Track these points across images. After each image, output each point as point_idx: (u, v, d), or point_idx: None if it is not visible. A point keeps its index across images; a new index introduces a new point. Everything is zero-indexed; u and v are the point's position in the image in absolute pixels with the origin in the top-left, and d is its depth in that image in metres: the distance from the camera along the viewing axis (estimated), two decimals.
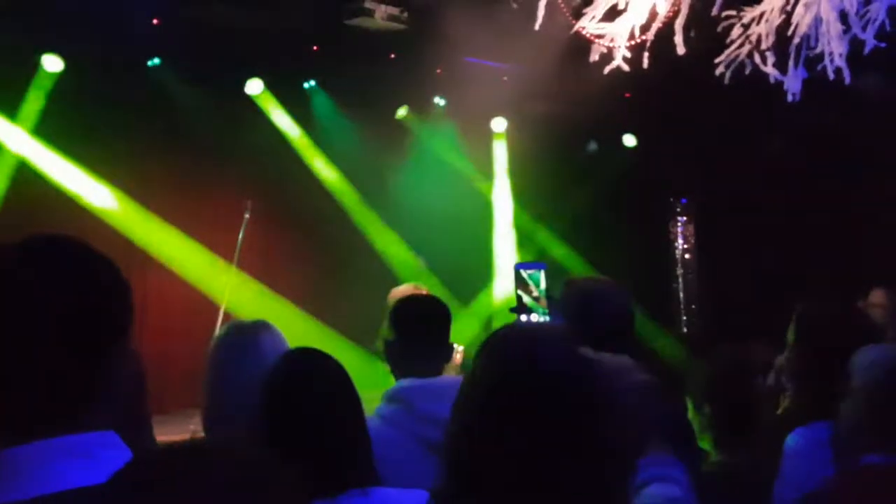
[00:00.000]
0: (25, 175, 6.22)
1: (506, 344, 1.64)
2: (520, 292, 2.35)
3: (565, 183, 8.61)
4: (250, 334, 2.62)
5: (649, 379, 1.97)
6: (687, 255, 9.65)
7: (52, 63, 6.26)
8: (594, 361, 1.69)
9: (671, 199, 9.66)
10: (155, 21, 6.10)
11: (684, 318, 9.47)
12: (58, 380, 1.32)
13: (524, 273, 2.36)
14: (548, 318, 2.29)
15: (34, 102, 6.25)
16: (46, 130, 6.30)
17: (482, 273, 7.99)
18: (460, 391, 1.62)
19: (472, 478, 1.53)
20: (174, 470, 1.01)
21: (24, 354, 1.31)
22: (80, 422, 1.32)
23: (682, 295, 9.53)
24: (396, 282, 5.86)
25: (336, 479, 2.14)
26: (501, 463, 1.50)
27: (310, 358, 2.29)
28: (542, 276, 2.33)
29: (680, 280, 9.58)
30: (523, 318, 2.34)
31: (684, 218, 9.67)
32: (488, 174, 8.24)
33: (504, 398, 1.55)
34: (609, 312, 2.58)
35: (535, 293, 2.33)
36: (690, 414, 3.15)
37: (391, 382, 2.93)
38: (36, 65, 6.25)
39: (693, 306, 9.50)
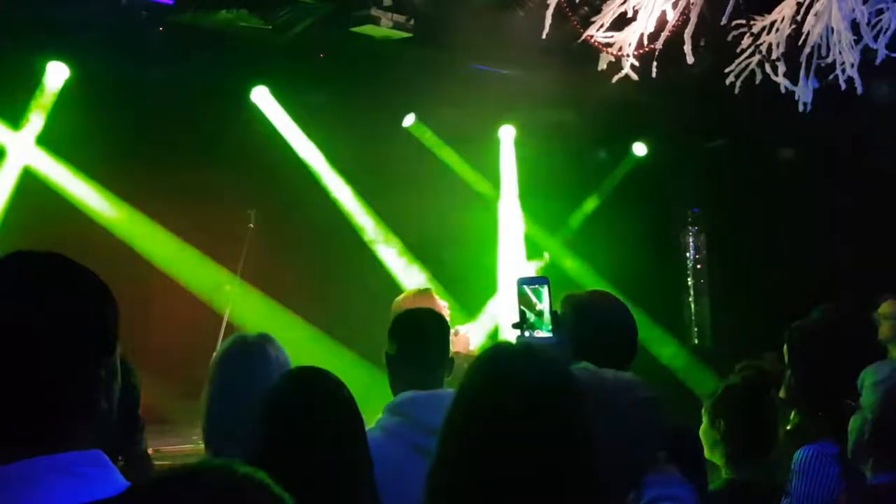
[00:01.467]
0: (30, 183, 6.20)
1: (484, 367, 1.61)
2: (522, 307, 2.29)
3: (574, 192, 8.55)
4: (254, 349, 2.61)
5: (653, 395, 1.93)
6: (699, 266, 9.56)
7: (58, 71, 6.24)
8: (583, 381, 1.65)
9: (682, 209, 9.58)
10: (160, 28, 6.08)
11: (695, 329, 9.38)
12: (44, 398, 1.31)
13: (527, 287, 2.30)
14: (550, 334, 2.23)
15: (38, 110, 6.23)
16: (51, 138, 6.29)
17: (489, 284, 7.93)
18: (446, 414, 1.59)
19: (456, 501, 1.50)
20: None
21: (10, 373, 1.30)
22: (68, 440, 1.31)
23: (693, 306, 9.44)
24: (400, 291, 5.82)
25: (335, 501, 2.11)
26: (481, 485, 1.47)
27: (311, 380, 2.26)
28: (545, 290, 2.27)
29: (691, 291, 9.49)
30: (526, 333, 2.28)
31: (696, 228, 9.59)
32: (496, 183, 8.18)
33: (482, 423, 1.52)
34: (610, 327, 2.55)
35: (539, 308, 2.27)
36: (705, 428, 3.12)
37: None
38: (41, 73, 6.22)
39: (704, 318, 9.41)
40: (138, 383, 2.56)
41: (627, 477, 1.82)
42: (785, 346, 2.98)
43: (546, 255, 7.98)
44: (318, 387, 2.23)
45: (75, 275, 1.40)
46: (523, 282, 2.32)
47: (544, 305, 2.26)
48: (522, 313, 2.29)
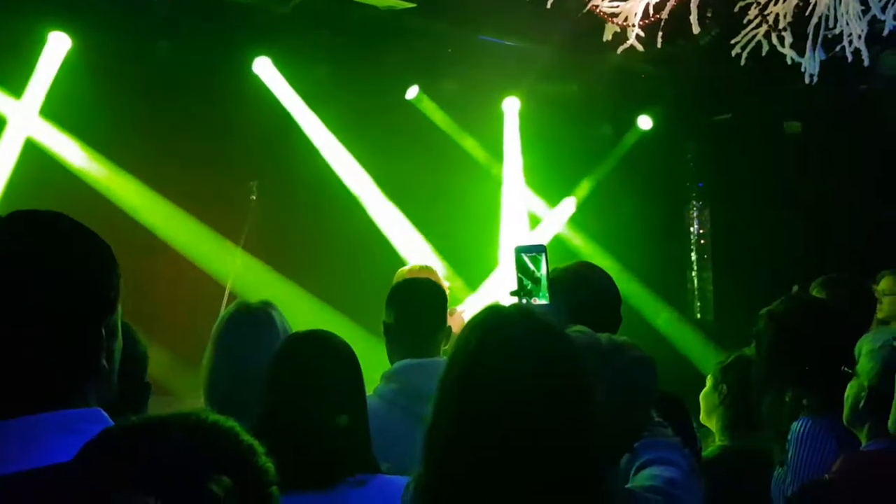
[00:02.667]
0: (32, 154, 6.19)
1: (477, 328, 1.60)
2: (520, 275, 2.30)
3: (577, 165, 8.52)
4: (257, 314, 2.64)
5: (646, 355, 1.96)
6: (702, 241, 9.54)
7: (60, 41, 6.20)
8: (579, 342, 1.65)
9: (687, 183, 9.54)
10: None
11: (698, 304, 9.37)
12: (45, 356, 1.33)
13: (525, 255, 2.31)
14: (547, 301, 2.25)
15: (40, 81, 6.19)
16: (53, 109, 6.25)
17: (490, 257, 7.92)
18: (440, 378, 1.59)
19: (450, 466, 1.49)
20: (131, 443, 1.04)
21: (11, 330, 1.31)
22: (69, 398, 1.33)
23: (696, 281, 9.43)
24: (403, 264, 5.81)
25: (333, 467, 2.12)
26: (478, 449, 1.46)
27: (320, 337, 2.28)
28: (542, 258, 2.29)
29: (694, 265, 9.48)
30: (523, 301, 2.30)
31: (700, 202, 9.55)
32: (499, 155, 8.15)
33: (479, 385, 1.51)
34: (596, 294, 2.62)
35: (536, 275, 2.28)
36: (706, 391, 3.16)
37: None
38: (42, 43, 6.18)
39: (707, 292, 9.40)
40: (145, 350, 2.56)
41: (622, 437, 1.82)
42: (762, 326, 2.98)
43: None
44: (327, 343, 2.26)
45: (75, 233, 1.41)
46: (521, 250, 2.34)
47: (542, 273, 2.27)
48: (520, 280, 2.32)
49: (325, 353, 2.25)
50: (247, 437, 1.09)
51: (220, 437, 1.05)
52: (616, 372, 1.81)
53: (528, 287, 2.28)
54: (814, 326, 2.84)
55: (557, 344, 1.57)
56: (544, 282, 2.27)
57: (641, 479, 1.89)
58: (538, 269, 2.28)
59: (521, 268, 2.30)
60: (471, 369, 1.53)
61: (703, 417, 3.18)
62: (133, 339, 2.48)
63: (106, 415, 1.37)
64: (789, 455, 2.73)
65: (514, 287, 2.32)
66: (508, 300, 2.36)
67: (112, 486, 0.99)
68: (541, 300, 2.25)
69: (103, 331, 1.39)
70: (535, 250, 2.32)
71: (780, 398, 2.82)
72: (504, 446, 1.45)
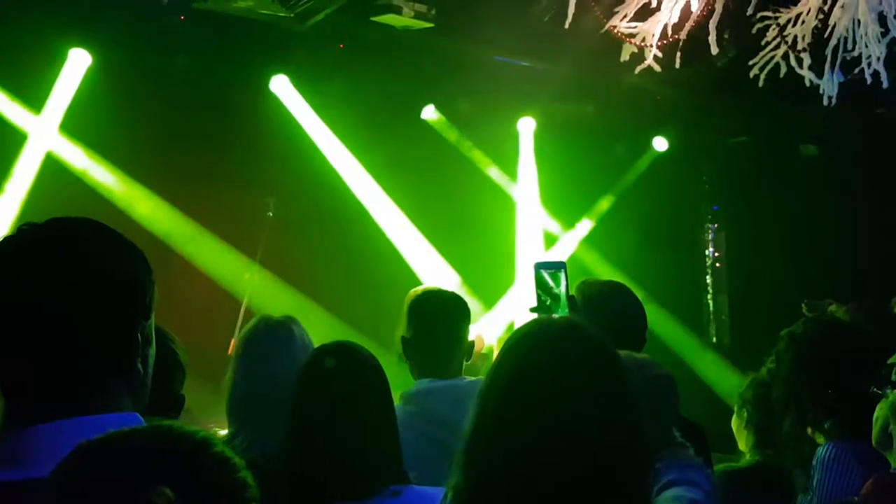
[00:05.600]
0: (51, 168, 6.24)
1: (525, 339, 1.58)
2: (539, 291, 2.29)
3: (592, 186, 8.51)
4: (280, 329, 2.63)
5: (666, 373, 1.94)
6: (718, 264, 9.50)
7: (80, 58, 6.27)
8: (620, 355, 1.63)
9: (702, 205, 9.52)
10: (181, 17, 6.09)
11: (714, 326, 9.33)
12: (86, 360, 1.34)
13: (544, 272, 2.29)
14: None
15: (61, 96, 6.26)
16: (73, 125, 6.31)
17: (506, 275, 7.91)
18: (481, 386, 1.57)
19: (489, 475, 1.47)
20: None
21: (57, 334, 1.32)
22: (106, 402, 1.34)
23: (711, 304, 9.39)
24: (419, 283, 5.81)
25: (367, 478, 2.10)
26: (516, 460, 1.44)
27: (346, 350, 2.28)
28: (562, 274, 2.27)
29: (710, 288, 9.44)
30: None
31: (715, 225, 9.53)
32: (514, 175, 8.16)
33: (520, 393, 1.49)
34: (626, 312, 2.60)
35: (555, 291, 2.27)
36: (734, 416, 3.17)
37: (411, 383, 2.89)
38: (63, 59, 6.25)
39: (723, 316, 9.35)
40: (186, 362, 2.56)
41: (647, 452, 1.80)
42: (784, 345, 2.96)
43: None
44: (354, 355, 2.25)
45: (113, 239, 1.43)
46: (541, 266, 2.33)
47: (561, 290, 2.26)
48: (539, 297, 2.29)
49: (353, 364, 2.24)
50: (220, 447, 1.07)
51: (179, 448, 1.03)
52: (635, 387, 1.80)
53: (548, 303, 2.26)
54: (835, 347, 2.80)
55: (607, 360, 1.54)
56: (563, 298, 2.25)
57: (664, 500, 1.87)
58: (557, 285, 2.27)
59: (541, 284, 2.28)
60: (516, 381, 1.49)
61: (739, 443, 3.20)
62: (173, 349, 2.49)
63: (142, 420, 1.36)
64: (814, 481, 2.68)
65: (534, 304, 2.30)
66: (528, 317, 2.34)
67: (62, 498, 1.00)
68: (559, 316, 2.24)
69: (139, 336, 1.40)
70: (555, 266, 2.30)
71: (800, 420, 2.79)
72: (545, 462, 1.42)
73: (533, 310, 2.31)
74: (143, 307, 1.41)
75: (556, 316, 2.24)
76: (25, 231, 1.40)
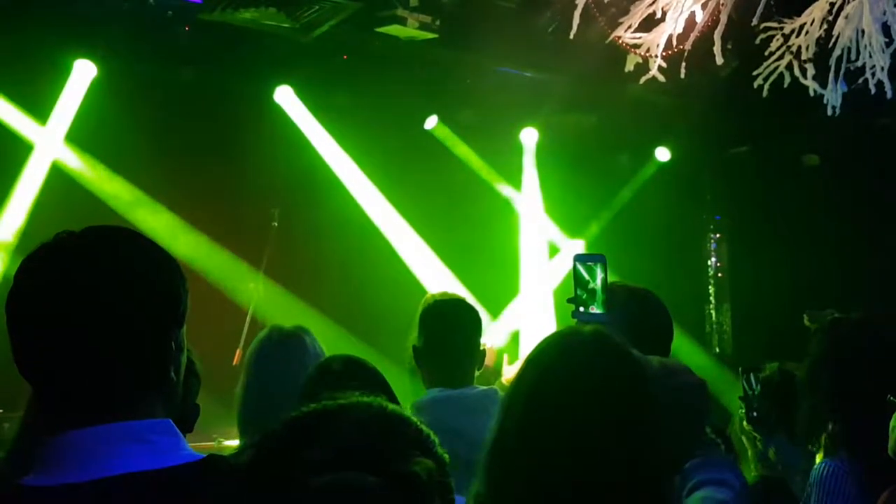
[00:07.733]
0: (57, 178, 6.25)
1: (550, 349, 1.58)
2: (575, 283, 2.25)
3: (595, 196, 8.52)
4: (291, 339, 2.62)
5: (699, 380, 1.94)
6: (720, 274, 9.50)
7: (85, 69, 6.29)
8: (646, 363, 1.63)
9: (704, 216, 9.52)
10: (186, 28, 6.11)
11: (717, 337, 9.32)
12: (124, 366, 1.35)
13: (580, 265, 2.26)
14: (603, 312, 2.19)
15: (67, 107, 6.27)
16: (78, 135, 6.34)
17: (510, 286, 7.91)
18: (504, 394, 1.57)
19: (511, 484, 1.47)
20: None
21: (94, 340, 1.33)
22: (141, 408, 1.35)
23: (714, 314, 9.38)
24: (423, 292, 5.81)
25: None
26: (538, 469, 1.44)
27: (351, 364, 2.27)
28: (598, 268, 2.23)
29: (712, 299, 9.43)
30: (580, 309, 2.23)
31: (718, 235, 9.52)
32: (517, 185, 8.17)
33: (543, 403, 1.49)
34: (656, 317, 2.59)
35: (591, 285, 2.23)
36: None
37: (420, 394, 2.87)
38: (69, 70, 6.27)
39: (726, 325, 9.34)
40: (201, 371, 2.57)
41: (674, 459, 1.80)
42: (817, 340, 2.95)
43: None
44: (357, 372, 2.25)
45: (152, 248, 1.46)
46: (578, 258, 2.28)
47: (597, 283, 2.22)
48: (576, 290, 2.26)
49: (358, 374, 2.24)
50: (424, 427, 1.12)
51: (404, 424, 1.08)
52: (667, 395, 1.79)
53: (584, 297, 2.22)
54: (857, 347, 2.78)
55: (632, 374, 1.54)
56: (600, 293, 2.20)
57: (693, 501, 1.86)
58: (593, 279, 2.22)
59: (578, 277, 2.25)
60: (539, 391, 1.50)
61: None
62: (190, 358, 2.49)
63: (175, 426, 1.38)
64: (811, 500, 2.66)
65: (572, 295, 2.27)
66: (567, 307, 2.29)
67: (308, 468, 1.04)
68: (596, 310, 2.19)
69: (173, 344, 1.41)
70: (592, 259, 2.25)
71: (816, 411, 2.78)
72: (568, 471, 1.42)
73: (570, 300, 2.28)
74: (178, 316, 1.42)
75: (590, 310, 2.19)
76: (63, 238, 1.40)
